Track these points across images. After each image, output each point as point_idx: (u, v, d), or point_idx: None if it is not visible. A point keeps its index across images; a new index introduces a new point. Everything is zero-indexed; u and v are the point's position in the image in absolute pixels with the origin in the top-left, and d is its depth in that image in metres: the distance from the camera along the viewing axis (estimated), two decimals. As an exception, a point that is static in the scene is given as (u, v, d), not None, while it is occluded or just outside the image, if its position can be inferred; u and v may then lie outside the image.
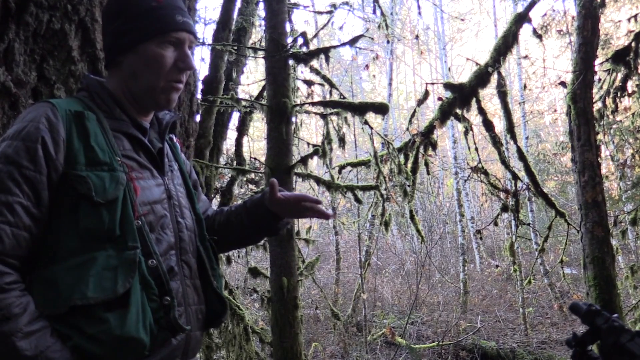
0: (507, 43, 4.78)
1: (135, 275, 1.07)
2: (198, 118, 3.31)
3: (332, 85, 5.31)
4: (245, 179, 5.64)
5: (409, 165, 4.95)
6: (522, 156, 4.99)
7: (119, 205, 1.08)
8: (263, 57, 4.64)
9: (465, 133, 4.91)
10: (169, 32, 1.20)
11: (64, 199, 1.07)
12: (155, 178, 1.22)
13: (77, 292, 1.01)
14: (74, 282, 1.02)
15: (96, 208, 1.06)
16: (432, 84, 5.15)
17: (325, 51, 4.68)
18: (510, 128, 4.96)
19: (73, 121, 1.11)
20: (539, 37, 5.10)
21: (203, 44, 4.99)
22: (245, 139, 5.64)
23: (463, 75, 17.56)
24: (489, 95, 13.28)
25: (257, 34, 6.11)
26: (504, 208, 5.14)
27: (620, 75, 5.13)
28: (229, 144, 6.38)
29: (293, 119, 4.70)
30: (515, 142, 4.94)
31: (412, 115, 5.10)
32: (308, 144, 5.83)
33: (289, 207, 1.39)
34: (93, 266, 1.04)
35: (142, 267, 1.09)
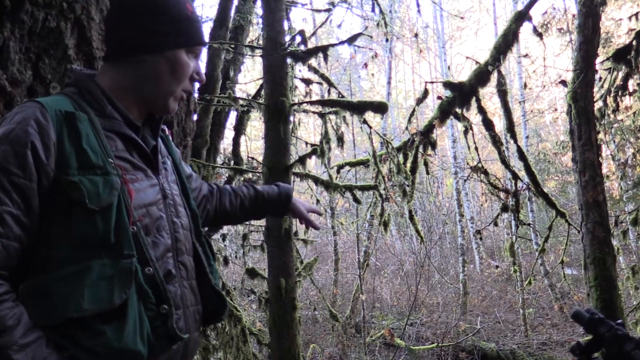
0: (507, 41, 4.75)
1: (132, 285, 1.04)
2: (195, 117, 3.27)
3: (330, 84, 5.27)
4: (242, 178, 5.60)
5: (408, 164, 4.92)
6: (522, 155, 4.95)
7: (113, 212, 1.05)
8: (260, 56, 4.60)
9: (465, 132, 4.88)
10: (199, 45, 1.23)
11: (56, 206, 1.02)
12: (149, 178, 1.19)
13: (72, 303, 0.98)
14: (68, 293, 0.98)
15: (90, 215, 1.02)
16: (432, 82, 5.12)
17: (324, 49, 4.65)
18: (510, 127, 4.93)
19: (64, 123, 1.06)
20: (540, 35, 5.06)
21: (200, 42, 4.93)
22: (242, 139, 5.62)
23: (463, 73, 17.50)
24: (488, 94, 13.22)
25: (255, 32, 6.08)
26: (504, 208, 5.11)
27: (621, 74, 5.10)
28: (226, 143, 6.36)
29: (291, 118, 4.67)
30: (516, 141, 4.91)
31: (411, 114, 5.07)
32: (306, 143, 5.80)
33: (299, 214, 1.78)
34: (88, 276, 1.00)
35: (138, 275, 1.06)
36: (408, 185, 4.84)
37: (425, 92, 4.93)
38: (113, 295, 1.01)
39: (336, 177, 5.47)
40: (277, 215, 1.85)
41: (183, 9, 1.20)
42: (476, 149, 4.86)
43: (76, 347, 1.00)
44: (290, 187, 1.79)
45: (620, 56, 4.90)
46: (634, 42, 4.74)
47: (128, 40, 1.19)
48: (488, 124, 4.81)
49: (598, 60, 4.90)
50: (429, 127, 4.86)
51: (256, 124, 15.15)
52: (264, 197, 1.71)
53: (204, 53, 4.60)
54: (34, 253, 1.02)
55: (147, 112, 1.25)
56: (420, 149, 4.92)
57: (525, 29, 4.90)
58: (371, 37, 5.27)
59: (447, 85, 4.81)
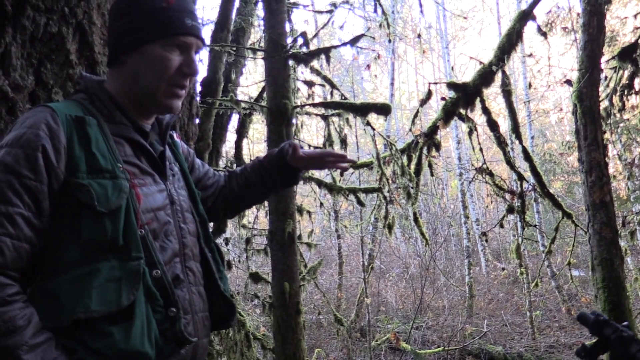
0: (511, 41, 4.71)
1: (140, 286, 1.05)
2: (197, 121, 3.25)
3: (333, 85, 5.25)
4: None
5: (412, 166, 4.88)
6: (527, 156, 4.91)
7: (122, 215, 1.06)
8: (262, 58, 4.58)
9: (470, 133, 4.84)
10: (176, 35, 1.18)
11: (64, 208, 1.04)
12: (157, 184, 1.20)
13: (80, 305, 0.99)
14: (76, 295, 1.00)
15: (99, 218, 1.04)
16: (435, 83, 5.09)
17: (326, 51, 4.63)
18: (515, 128, 4.88)
19: (74, 127, 1.08)
20: (544, 34, 5.02)
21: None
22: (245, 142, 5.59)
23: (466, 74, 17.45)
24: (493, 94, 13.17)
25: (256, 34, 6.06)
26: (510, 209, 5.06)
27: (627, 73, 5.07)
28: (228, 146, 6.33)
29: (294, 121, 4.65)
30: (521, 142, 4.86)
31: (415, 115, 5.03)
32: (309, 146, 5.76)
33: (312, 161, 1.53)
34: (96, 278, 1.01)
35: (146, 278, 1.07)
36: (412, 187, 4.80)
37: (429, 93, 4.90)
38: (121, 296, 1.02)
39: (339, 180, 5.45)
40: (289, 177, 1.56)
41: (157, 1, 1.18)
42: (481, 150, 4.82)
43: (84, 349, 1.00)
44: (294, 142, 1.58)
45: (626, 55, 4.87)
46: (640, 41, 4.69)
47: (110, 45, 1.23)
48: (493, 125, 4.77)
49: (603, 59, 4.86)
50: (433, 128, 4.82)
51: (258, 127, 15.15)
52: (265, 163, 1.57)
53: (205, 56, 4.57)
54: (44, 255, 1.03)
55: (149, 114, 1.26)
56: (425, 151, 4.88)
57: (530, 29, 4.85)
58: (374, 38, 5.25)
59: (451, 85, 4.77)
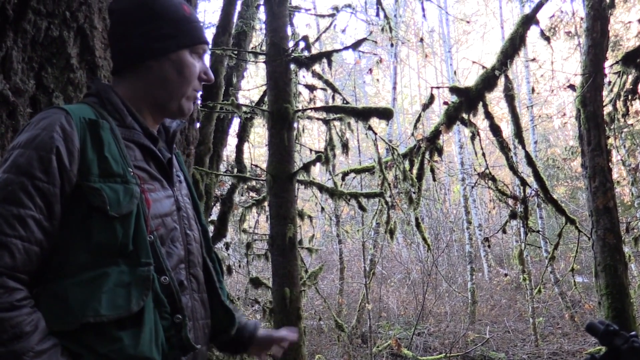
0: (514, 45, 4.70)
1: (149, 292, 1.05)
2: (198, 125, 3.24)
3: (334, 89, 5.24)
4: (246, 186, 5.57)
5: (414, 171, 4.86)
6: (530, 161, 4.89)
7: (132, 220, 1.06)
8: (264, 62, 4.58)
9: (472, 138, 4.82)
10: (200, 44, 1.24)
11: (75, 212, 1.03)
12: (165, 189, 1.20)
13: (89, 309, 0.98)
14: (85, 299, 0.99)
15: (110, 222, 1.03)
16: (438, 87, 5.08)
17: (328, 55, 4.62)
18: (518, 132, 4.87)
19: (87, 130, 1.08)
20: (547, 39, 5.01)
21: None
22: (245, 146, 5.59)
23: (469, 78, 17.39)
24: (496, 99, 13.16)
25: (258, 37, 6.07)
26: (513, 215, 5.04)
27: (630, 78, 5.05)
28: (229, 150, 6.34)
29: (295, 125, 4.64)
30: (524, 147, 4.85)
31: (417, 120, 5.02)
32: (310, 150, 5.76)
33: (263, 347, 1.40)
34: (105, 282, 1.01)
35: (155, 284, 1.07)
36: (414, 192, 4.78)
37: (431, 98, 4.89)
38: (130, 302, 1.01)
39: (341, 184, 5.43)
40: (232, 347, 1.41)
41: (180, 10, 1.22)
42: (483, 155, 4.81)
43: (90, 354, 0.99)
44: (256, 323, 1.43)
45: (630, 59, 4.85)
46: (644, 45, 4.67)
47: (132, 50, 1.21)
48: (495, 130, 4.76)
49: (607, 63, 4.84)
50: (436, 133, 4.80)
51: (260, 131, 15.18)
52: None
53: (207, 59, 4.56)
54: (51, 258, 1.02)
55: (161, 119, 1.28)
56: (427, 155, 4.86)
57: (533, 33, 4.84)
58: (376, 42, 5.24)
59: (454, 90, 4.76)
